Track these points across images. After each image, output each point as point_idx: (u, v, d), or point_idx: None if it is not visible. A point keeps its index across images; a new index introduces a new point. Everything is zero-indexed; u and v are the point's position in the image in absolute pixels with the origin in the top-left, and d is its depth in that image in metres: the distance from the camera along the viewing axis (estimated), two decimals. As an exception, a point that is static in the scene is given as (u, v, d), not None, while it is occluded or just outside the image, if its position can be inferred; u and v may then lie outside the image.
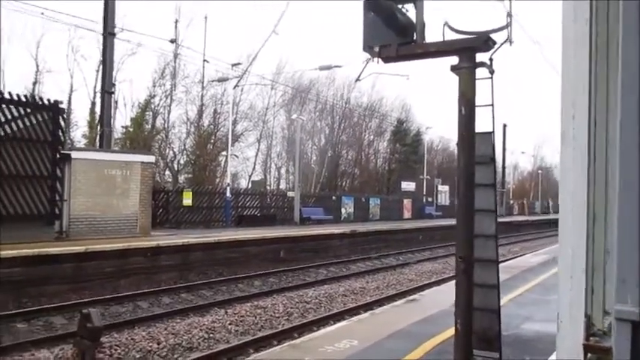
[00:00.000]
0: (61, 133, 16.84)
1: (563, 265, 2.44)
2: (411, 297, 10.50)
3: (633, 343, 1.93)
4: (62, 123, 17.11)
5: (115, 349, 8.77)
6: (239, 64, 28.01)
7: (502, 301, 7.75)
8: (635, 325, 1.92)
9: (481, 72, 5.06)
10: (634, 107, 1.92)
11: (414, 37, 5.14)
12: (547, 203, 76.57)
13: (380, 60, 5.46)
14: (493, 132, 5.23)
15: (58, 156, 16.20)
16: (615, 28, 2.20)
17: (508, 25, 5.23)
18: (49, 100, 16.64)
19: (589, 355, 2.48)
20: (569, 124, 2.23)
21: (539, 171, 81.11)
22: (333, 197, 35.47)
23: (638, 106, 1.91)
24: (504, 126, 58.09)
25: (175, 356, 8.76)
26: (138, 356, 8.58)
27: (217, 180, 37.03)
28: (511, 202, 66.77)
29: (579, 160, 2.15)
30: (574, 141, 2.19)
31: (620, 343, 1.94)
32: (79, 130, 35.06)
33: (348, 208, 34.93)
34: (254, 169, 44.62)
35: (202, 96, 37.67)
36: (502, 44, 5.04)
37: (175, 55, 32.80)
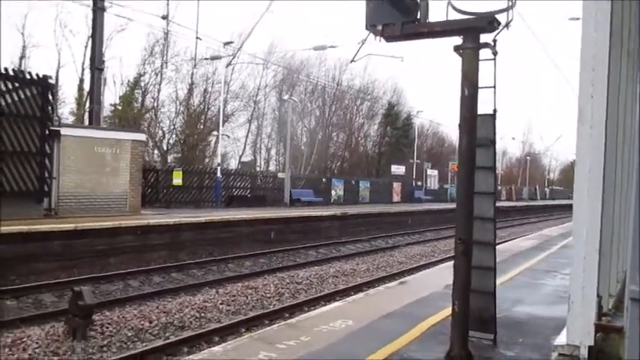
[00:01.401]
0: (50, 109, 16.57)
1: (577, 247, 2.44)
2: (404, 279, 10.56)
3: (647, 323, 1.93)
4: (51, 99, 16.84)
5: (107, 327, 8.73)
6: (231, 42, 27.68)
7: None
8: (649, 306, 1.92)
9: (484, 53, 5.02)
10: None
11: (418, 17, 5.08)
12: (534, 189, 77.22)
13: (377, 39, 5.39)
14: (495, 114, 5.21)
15: (47, 132, 15.96)
16: (634, 12, 2.16)
17: (512, 7, 5.18)
18: (37, 75, 16.31)
19: (598, 334, 2.52)
20: (587, 103, 2.21)
21: (528, 157, 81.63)
22: (323, 179, 35.48)
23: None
24: (494, 111, 58.22)
25: (167, 334, 8.76)
26: (129, 334, 8.56)
27: (207, 160, 36.86)
28: (499, 187, 67.23)
29: (597, 140, 2.14)
30: (592, 120, 2.17)
31: (633, 322, 1.94)
32: (66, 106, 34.59)
33: (338, 190, 34.97)
34: (244, 149, 44.46)
35: (193, 74, 37.29)
36: (506, 25, 4.99)
37: (166, 32, 32.29)
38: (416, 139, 49.84)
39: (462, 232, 4.82)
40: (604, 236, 2.24)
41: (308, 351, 5.17)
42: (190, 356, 5.74)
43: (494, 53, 5.01)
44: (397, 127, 51.60)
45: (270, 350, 5.19)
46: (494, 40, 5.01)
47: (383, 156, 51.33)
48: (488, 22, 4.67)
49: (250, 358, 5.00)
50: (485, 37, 5.02)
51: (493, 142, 5.30)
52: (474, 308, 5.53)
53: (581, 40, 2.25)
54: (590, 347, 2.45)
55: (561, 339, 2.89)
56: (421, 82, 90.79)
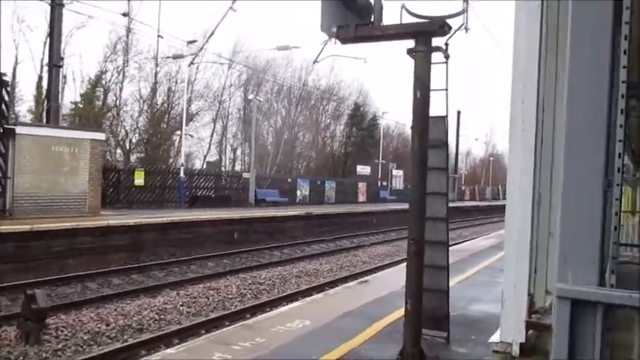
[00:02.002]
0: (4, 107, 16.06)
1: (509, 246, 2.53)
2: (364, 279, 10.64)
3: (572, 320, 2.01)
4: (6, 96, 16.33)
5: (62, 331, 8.55)
6: (195, 41, 27.33)
7: (451, 283, 7.97)
8: (574, 303, 2.00)
9: (437, 56, 5.12)
10: (581, 94, 1.98)
11: (372, 19, 5.14)
12: (497, 189, 78.84)
13: (337, 41, 5.44)
14: (446, 116, 5.31)
15: (1, 131, 15.47)
16: (565, 14, 2.25)
17: (464, 11, 5.29)
18: (-9, 72, 15.80)
19: (530, 331, 2.59)
20: (518, 108, 2.29)
21: (491, 158, 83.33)
22: (289, 179, 35.44)
23: (585, 92, 1.97)
24: (458, 113, 59.28)
25: (125, 337, 8.61)
26: (86, 337, 8.39)
27: (171, 160, 36.33)
28: (463, 187, 68.43)
29: (528, 143, 2.22)
30: (522, 124, 2.25)
31: (559, 319, 2.01)
32: (24, 104, 33.56)
33: (303, 190, 34.98)
34: (209, 149, 43.98)
35: (156, 73, 36.71)
36: (457, 30, 5.10)
37: (128, 30, 31.75)
38: (381, 140, 50.24)
39: (414, 233, 4.89)
40: (541, 234, 2.31)
41: (262, 352, 5.17)
42: (144, 358, 5.66)
43: (447, 57, 5.10)
44: (363, 127, 51.93)
45: (225, 351, 5.17)
46: (446, 44, 5.11)
47: (349, 156, 51.55)
48: (439, 26, 4.76)
49: (205, 359, 4.97)
50: (439, 41, 5.12)
51: (445, 144, 5.40)
52: (427, 307, 5.62)
53: (513, 46, 2.33)
54: (521, 344, 2.53)
55: (495, 337, 2.97)
56: (387, 83, 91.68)
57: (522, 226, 2.25)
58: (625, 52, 1.96)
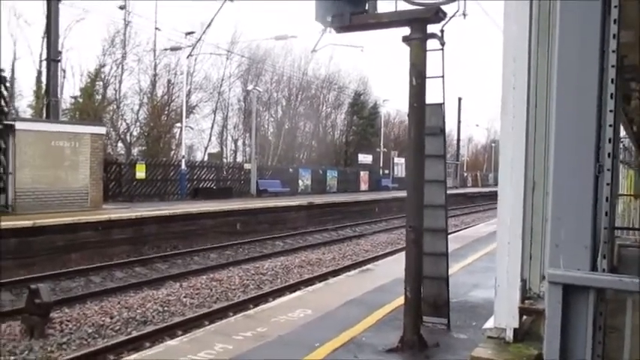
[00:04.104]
0: (3, 103, 16.07)
1: (501, 232, 2.54)
2: (366, 267, 10.68)
3: (564, 305, 2.02)
4: (5, 92, 16.35)
5: (66, 325, 8.61)
6: (193, 32, 27.23)
7: (453, 270, 8.00)
8: (566, 288, 2.01)
9: (433, 43, 5.10)
10: (571, 79, 1.97)
11: (367, 7, 5.13)
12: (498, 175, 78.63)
13: (332, 30, 5.43)
14: (443, 103, 5.30)
15: (0, 127, 15.48)
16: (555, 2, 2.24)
17: (460, -3, 5.26)
18: (-11, 68, 15.80)
19: (524, 317, 2.62)
20: (509, 94, 2.29)
21: (493, 144, 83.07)
22: (290, 169, 35.40)
23: (574, 77, 1.96)
24: (459, 99, 59.15)
25: (129, 330, 8.68)
26: (90, 331, 8.45)
27: (172, 152, 36.33)
28: (465, 174, 68.36)
29: (518, 129, 2.22)
30: (514, 110, 2.25)
31: (551, 304, 2.02)
32: (24, 100, 33.55)
33: (305, 180, 34.97)
34: (210, 141, 43.94)
35: (155, 65, 36.62)
36: (453, 16, 5.09)
37: (126, 23, 31.63)
38: (382, 128, 50.14)
39: (412, 220, 4.92)
40: (536, 220, 2.32)
41: (264, 342, 5.21)
42: (147, 350, 5.70)
43: (442, 44, 5.09)
44: (364, 116, 51.76)
45: (227, 342, 5.21)
46: (442, 31, 5.10)
47: (350, 145, 51.45)
48: (433, 12, 4.75)
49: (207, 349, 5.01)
50: (435, 28, 5.11)
51: (443, 131, 5.40)
52: (428, 294, 5.67)
53: (503, 31, 2.32)
54: (515, 329, 2.56)
55: (490, 322, 3.00)
56: (387, 71, 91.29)
57: (514, 212, 2.26)
58: (614, 37, 1.95)
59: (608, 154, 1.99)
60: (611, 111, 1.97)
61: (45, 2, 19.62)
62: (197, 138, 42.94)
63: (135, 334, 8.34)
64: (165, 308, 9.85)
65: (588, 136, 1.96)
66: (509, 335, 2.60)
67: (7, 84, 17.66)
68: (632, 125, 11.68)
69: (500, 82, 2.36)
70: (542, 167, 2.26)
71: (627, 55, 5.01)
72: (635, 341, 2.14)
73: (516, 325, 2.52)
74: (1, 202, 15.53)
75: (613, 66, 1.95)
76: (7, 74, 18.99)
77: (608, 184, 1.98)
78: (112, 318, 9.10)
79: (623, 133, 13.22)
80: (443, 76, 5.17)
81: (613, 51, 1.93)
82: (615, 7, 1.95)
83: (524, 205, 2.28)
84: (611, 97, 1.96)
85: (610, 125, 1.97)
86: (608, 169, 1.99)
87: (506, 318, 2.41)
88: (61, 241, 13.84)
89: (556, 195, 2.05)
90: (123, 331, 8.61)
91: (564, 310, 2.00)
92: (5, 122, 15.67)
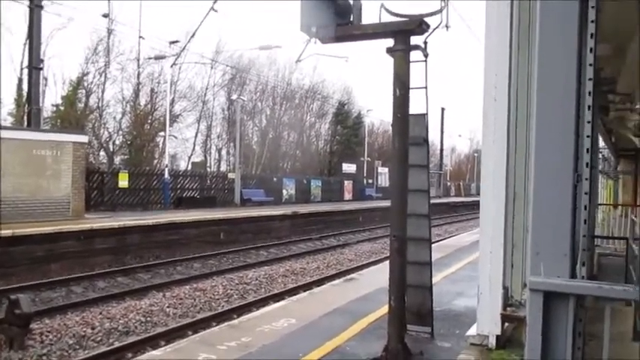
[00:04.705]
0: (-16, 111, 15.87)
1: (483, 241, 2.58)
2: (350, 276, 10.69)
3: (545, 312, 2.06)
4: (-15, 100, 16.12)
5: (47, 336, 8.49)
6: (177, 41, 27.17)
7: (436, 279, 8.06)
8: (546, 295, 2.06)
9: (416, 55, 5.17)
10: (550, 91, 2.03)
11: (352, 19, 5.18)
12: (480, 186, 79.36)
13: (318, 41, 5.47)
14: (427, 114, 5.37)
15: (-20, 135, 15.27)
16: (535, 14, 2.30)
17: (442, 9, 5.34)
18: (-30, 76, 15.59)
19: (506, 324, 2.66)
20: (490, 106, 2.34)
21: (475, 154, 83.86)
22: (274, 179, 35.36)
23: (553, 90, 2.02)
24: (442, 109, 59.77)
25: (111, 340, 8.57)
26: (71, 342, 8.33)
27: (155, 161, 36.06)
28: (448, 183, 68.88)
29: (499, 141, 2.27)
30: (495, 122, 2.30)
31: (532, 311, 2.06)
32: (4, 107, 33.06)
33: (289, 189, 34.95)
34: (194, 150, 43.70)
35: (139, 74, 36.40)
36: (436, 28, 5.16)
37: (109, 31, 31.45)
38: (366, 138, 50.38)
39: (396, 229, 4.95)
40: (517, 230, 2.36)
41: (248, 351, 5.19)
42: (130, 362, 5.65)
43: (425, 55, 5.16)
44: (348, 125, 51.98)
45: (211, 352, 5.18)
46: (425, 42, 5.17)
47: (334, 154, 51.59)
48: (417, 24, 4.82)
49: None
50: (418, 40, 5.18)
51: (426, 141, 5.46)
52: (411, 303, 5.70)
53: (484, 45, 2.38)
54: (497, 336, 2.58)
55: (472, 330, 3.03)
56: (371, 81, 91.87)
57: (496, 222, 2.30)
58: (591, 51, 2.01)
59: (586, 164, 2.04)
60: (588, 122, 2.03)
61: (27, 9, 19.45)
62: (181, 147, 42.69)
63: (117, 344, 8.25)
64: (148, 318, 9.76)
65: (567, 146, 2.01)
66: (492, 342, 2.63)
67: (-12, 91, 17.39)
68: (610, 136, 11.93)
69: (482, 95, 2.41)
70: (522, 178, 2.31)
71: (604, 68, 5.14)
72: (613, 348, 2.19)
73: (499, 332, 2.54)
74: (-19, 212, 15.27)
75: (590, 79, 2.01)
76: (-13, 82, 18.71)
77: (586, 194, 2.04)
78: (93, 329, 8.98)
79: (602, 144, 13.48)
80: (426, 87, 5.24)
81: (590, 64, 1.99)
82: (592, 21, 2.02)
83: (506, 214, 2.31)
84: (589, 109, 2.02)
85: (588, 136, 2.03)
86: (586, 179, 2.04)
87: (488, 325, 2.43)
88: (41, 250, 13.65)
89: (536, 204, 2.10)
90: (105, 342, 8.51)
91: (545, 316, 2.05)
92: (-15, 130, 15.46)
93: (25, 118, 20.48)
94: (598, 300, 2.12)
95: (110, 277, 13.34)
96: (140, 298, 11.22)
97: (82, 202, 18.10)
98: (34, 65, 18.97)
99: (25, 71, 21.66)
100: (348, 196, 42.00)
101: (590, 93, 2.02)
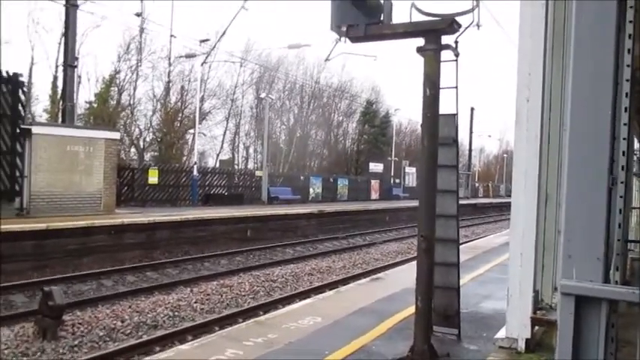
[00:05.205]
0: (21, 107, 16.33)
1: (514, 243, 2.54)
2: (376, 276, 10.66)
3: (576, 316, 2.03)
4: (22, 97, 16.58)
5: (78, 327, 8.68)
6: (207, 40, 27.50)
7: (464, 280, 7.98)
8: (578, 299, 2.02)
9: (447, 54, 5.13)
10: (585, 92, 2.00)
11: (382, 18, 5.17)
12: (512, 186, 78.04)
13: (348, 40, 5.47)
14: (457, 114, 5.32)
15: (17, 131, 15.72)
16: (570, 13, 2.27)
17: (474, 9, 5.28)
18: (7, 73, 16.05)
19: (536, 327, 2.62)
20: (523, 106, 2.31)
21: (505, 155, 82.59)
22: (302, 177, 35.45)
23: (588, 91, 1.99)
24: (472, 109, 59.01)
25: (140, 334, 8.73)
26: (101, 334, 8.52)
27: (184, 158, 36.57)
28: (477, 184, 68.02)
29: (532, 142, 2.24)
30: (527, 122, 2.27)
31: (564, 316, 2.04)
32: (40, 104, 33.98)
33: (316, 188, 35.01)
34: (222, 147, 44.20)
35: (169, 72, 36.97)
36: (467, 27, 5.10)
37: (141, 30, 32.01)
38: (394, 137, 50.10)
39: (424, 229, 4.92)
40: (549, 232, 2.33)
41: (274, 348, 5.23)
42: (158, 354, 5.75)
43: (456, 55, 5.11)
44: (375, 125, 51.79)
45: (237, 347, 5.24)
46: (456, 42, 5.12)
47: (361, 154, 51.47)
48: (448, 24, 4.78)
49: (217, 356, 5.04)
50: (449, 39, 5.13)
51: (455, 141, 5.41)
52: (438, 304, 5.67)
53: (518, 45, 2.35)
54: (527, 340, 2.55)
55: (501, 333, 2.99)
56: (399, 80, 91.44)
57: (527, 224, 2.28)
58: (629, 51, 1.97)
59: (622, 167, 2.00)
60: (625, 124, 1.99)
61: (63, 8, 19.93)
62: (209, 144, 43.25)
63: (145, 338, 8.40)
64: (176, 313, 9.90)
65: (602, 148, 1.98)
66: (521, 345, 2.60)
67: (25, 88, 17.90)
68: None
69: (515, 95, 2.38)
70: (555, 179, 2.27)
71: (642, 68, 5.00)
72: (648, 355, 2.15)
73: (528, 335, 2.51)
74: (17, 205, 15.73)
75: (627, 80, 1.97)
76: (24, 79, 19.25)
77: (621, 197, 2.00)
78: (123, 322, 9.16)
79: (637, 145, 13.12)
80: (457, 87, 5.19)
81: (627, 65, 1.96)
82: (630, 22, 1.98)
83: (538, 216, 2.28)
84: (625, 111, 1.98)
85: (624, 138, 1.99)
86: (622, 182, 2.01)
87: (518, 328, 2.40)
88: (73, 244, 13.99)
89: (569, 207, 2.07)
90: (134, 335, 8.67)
91: (576, 321, 2.02)
92: (22, 126, 15.91)
93: (60, 114, 21.00)
94: (631, 305, 2.08)
95: (139, 272, 13.58)
96: (168, 293, 11.39)
97: (113, 197, 18.48)
98: (69, 63, 19.43)
99: (60, 69, 22.22)
100: (374, 195, 41.85)
101: (627, 94, 1.98)
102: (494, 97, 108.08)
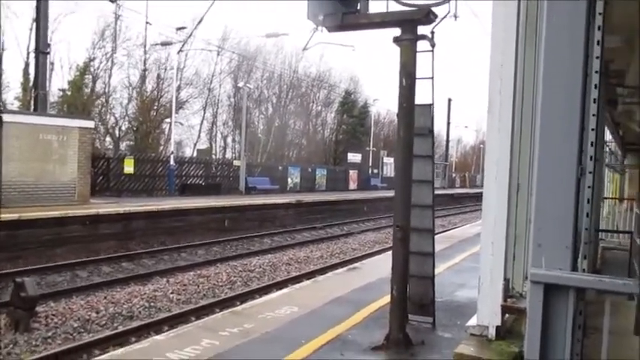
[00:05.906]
0: (-9, 95, 15.92)
1: (485, 232, 2.59)
2: (353, 265, 10.73)
3: (545, 304, 2.07)
4: (-8, 84, 16.16)
5: (52, 319, 8.58)
6: (184, 28, 27.13)
7: (439, 269, 8.07)
8: (547, 287, 2.06)
9: (424, 45, 5.15)
10: (555, 83, 2.02)
11: (359, 7, 5.16)
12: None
13: (325, 29, 5.45)
14: (433, 104, 5.35)
15: (-12, 119, 15.33)
16: (542, 5, 2.29)
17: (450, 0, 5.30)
18: (-23, 59, 15.62)
19: (507, 315, 2.68)
20: (495, 97, 2.34)
21: (481, 145, 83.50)
22: (280, 167, 35.36)
23: (559, 82, 2.01)
24: (449, 100, 59.46)
25: (115, 325, 8.66)
26: (76, 325, 8.42)
27: (161, 148, 36.13)
28: (454, 175, 68.70)
29: (504, 132, 2.27)
30: (499, 113, 2.30)
31: (533, 303, 2.07)
32: (11, 92, 33.13)
33: (294, 178, 34.96)
34: (199, 137, 43.77)
35: (145, 60, 36.38)
36: (443, 18, 5.13)
37: (116, 16, 31.41)
38: (372, 127, 50.22)
39: (400, 219, 4.97)
40: (520, 222, 2.37)
41: (250, 338, 5.24)
42: (133, 345, 5.70)
43: (432, 45, 5.14)
44: (354, 115, 51.82)
45: (213, 337, 5.23)
46: (432, 32, 5.14)
47: (340, 144, 51.50)
48: (424, 14, 4.80)
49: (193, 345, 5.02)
50: (425, 29, 5.15)
51: (431, 132, 5.45)
52: (414, 293, 5.73)
53: (491, 35, 2.37)
54: (497, 327, 2.61)
55: (473, 320, 3.05)
56: (378, 70, 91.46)
57: (498, 213, 2.31)
58: (598, 43, 2.00)
59: (590, 157, 2.04)
60: (594, 115, 2.02)
61: (35, -6, 19.41)
62: (186, 134, 42.75)
63: (121, 329, 8.34)
64: (152, 304, 9.84)
65: (571, 139, 2.00)
66: (492, 333, 2.65)
67: (-5, 76, 17.45)
68: (618, 130, 11.85)
69: (487, 86, 2.41)
70: (526, 169, 2.31)
71: (613, 60, 5.09)
72: (615, 341, 2.20)
73: (499, 322, 2.56)
74: (-13, 195, 15.38)
75: (597, 72, 2.00)
76: (-6, 66, 18.76)
77: (589, 187, 2.04)
78: (97, 313, 9.07)
79: (609, 137, 13.40)
80: (432, 77, 5.22)
81: (597, 57, 1.98)
82: (600, 14, 2.00)
83: (509, 205, 2.32)
84: (594, 102, 2.01)
85: (593, 129, 2.03)
86: (590, 172, 2.04)
87: (489, 316, 2.45)
88: (47, 234, 13.75)
89: (539, 196, 2.10)
90: (109, 326, 8.59)
91: (545, 308, 2.05)
92: (-8, 114, 15.51)
93: (32, 102, 20.53)
94: (599, 293, 2.13)
95: (115, 262, 13.43)
96: (144, 284, 11.31)
97: (87, 187, 18.18)
98: (41, 50, 18.97)
99: (32, 55, 21.71)
100: (353, 185, 41.99)
101: (596, 86, 2.01)
102: (471, 89, 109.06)
